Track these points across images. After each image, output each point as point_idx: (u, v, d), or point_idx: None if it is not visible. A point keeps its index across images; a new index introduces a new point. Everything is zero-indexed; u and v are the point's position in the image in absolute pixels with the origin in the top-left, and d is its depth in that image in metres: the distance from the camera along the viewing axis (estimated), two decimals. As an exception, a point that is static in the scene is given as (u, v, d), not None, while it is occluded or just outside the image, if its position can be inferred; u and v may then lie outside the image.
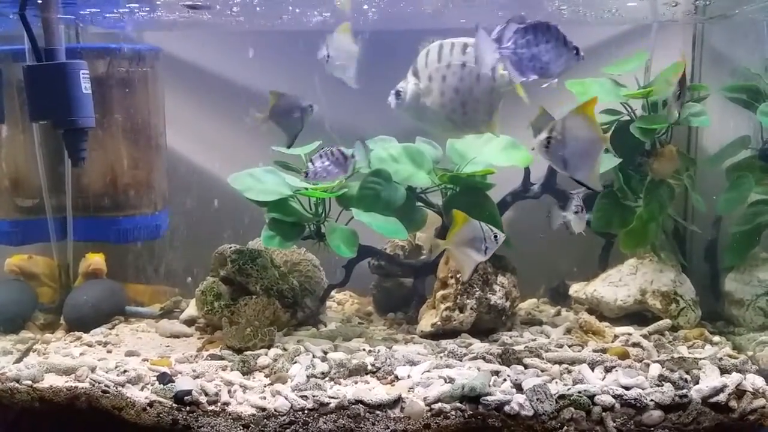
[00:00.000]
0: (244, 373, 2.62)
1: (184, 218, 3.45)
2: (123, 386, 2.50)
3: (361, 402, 2.37)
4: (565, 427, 2.34)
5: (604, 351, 2.75)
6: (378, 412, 2.36)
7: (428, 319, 3.01)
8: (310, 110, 2.82)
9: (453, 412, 2.35)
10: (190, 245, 3.46)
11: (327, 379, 2.57)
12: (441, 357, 2.72)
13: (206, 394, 2.43)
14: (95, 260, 3.30)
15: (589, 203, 3.08)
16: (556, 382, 2.52)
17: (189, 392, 2.41)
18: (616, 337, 2.95)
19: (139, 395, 2.46)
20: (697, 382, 2.47)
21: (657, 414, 2.36)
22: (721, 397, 2.39)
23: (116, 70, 3.10)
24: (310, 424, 2.35)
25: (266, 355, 2.74)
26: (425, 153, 3.09)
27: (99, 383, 2.49)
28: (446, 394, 2.39)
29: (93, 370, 2.61)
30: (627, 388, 2.41)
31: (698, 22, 3.32)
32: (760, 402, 2.41)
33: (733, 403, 2.40)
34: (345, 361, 2.65)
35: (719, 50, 3.34)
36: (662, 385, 2.43)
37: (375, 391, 2.45)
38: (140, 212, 3.22)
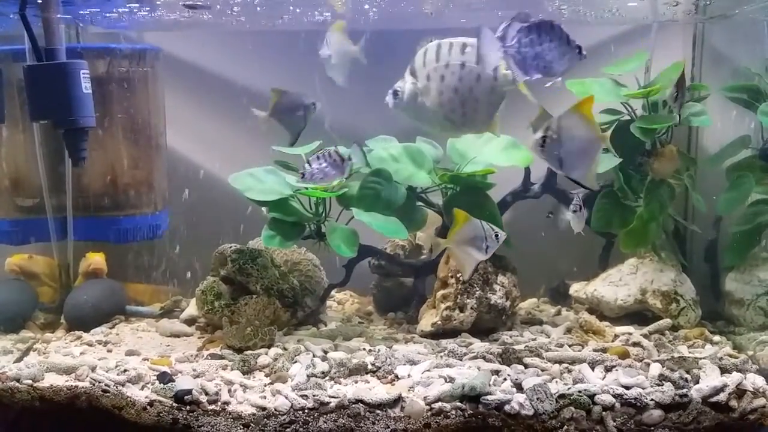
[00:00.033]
0: (244, 373, 2.62)
1: (184, 218, 3.45)
2: (123, 385, 2.50)
3: (362, 401, 2.37)
4: (566, 427, 2.34)
5: (604, 350, 2.75)
6: (378, 411, 2.36)
7: (428, 319, 3.01)
8: (313, 108, 2.82)
9: (453, 412, 2.35)
10: (190, 245, 3.45)
11: (327, 378, 2.57)
12: (441, 356, 2.73)
13: (206, 394, 2.43)
14: (95, 260, 3.30)
15: (590, 203, 3.08)
16: (557, 382, 2.52)
17: (189, 391, 2.41)
18: (616, 336, 2.95)
19: (139, 394, 2.46)
20: (698, 382, 2.47)
21: (657, 413, 2.36)
22: (722, 397, 2.39)
23: (116, 69, 3.10)
24: (310, 424, 2.35)
25: (266, 354, 2.74)
26: (425, 153, 3.09)
27: (99, 382, 2.49)
28: (446, 393, 2.39)
29: (93, 369, 2.61)
30: (627, 388, 2.41)
31: (698, 22, 3.32)
32: (761, 401, 2.41)
33: (733, 403, 2.40)
34: (345, 360, 2.65)
35: (719, 50, 3.34)
36: (662, 385, 2.43)
37: (375, 390, 2.45)
38: (140, 212, 3.22)
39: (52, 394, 2.48)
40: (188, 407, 2.40)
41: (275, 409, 2.37)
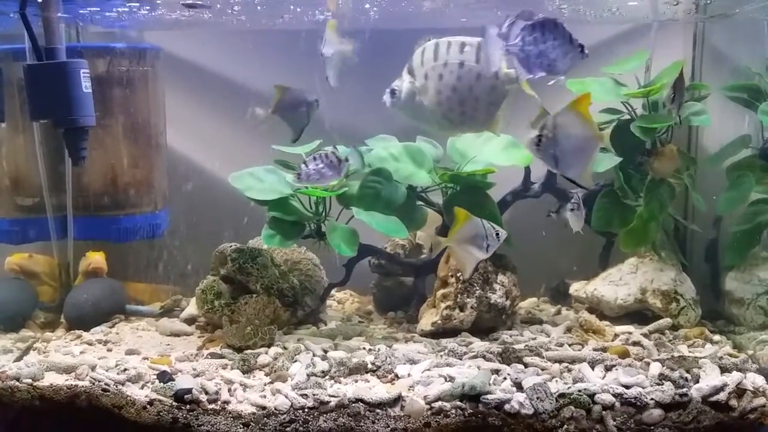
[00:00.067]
0: (244, 372, 2.62)
1: (184, 217, 3.45)
2: (123, 385, 2.50)
3: (362, 400, 2.37)
4: (565, 426, 2.34)
5: (604, 350, 2.75)
6: (378, 410, 2.36)
7: (428, 318, 3.01)
8: (316, 104, 2.81)
9: (453, 411, 2.35)
10: (190, 244, 3.45)
11: (327, 377, 2.57)
12: (441, 356, 2.73)
13: (206, 393, 2.43)
14: (95, 259, 3.30)
15: (590, 202, 3.08)
16: (557, 381, 2.51)
17: (189, 391, 2.41)
18: (616, 335, 2.95)
19: (139, 394, 2.46)
20: (698, 381, 2.47)
21: (657, 413, 2.36)
22: (722, 396, 2.39)
23: (116, 69, 3.10)
24: (310, 423, 2.35)
25: (266, 353, 2.74)
26: (426, 152, 3.10)
27: (99, 382, 2.49)
28: (446, 392, 2.39)
29: (93, 368, 2.61)
30: (627, 387, 2.41)
31: (699, 21, 3.32)
32: (761, 401, 2.41)
33: (733, 402, 2.40)
34: (345, 359, 2.65)
35: (720, 49, 3.34)
36: (662, 384, 2.43)
37: (375, 389, 2.45)
38: (140, 211, 3.22)
39: (52, 393, 2.48)
40: (188, 406, 2.40)
41: (275, 409, 2.37)
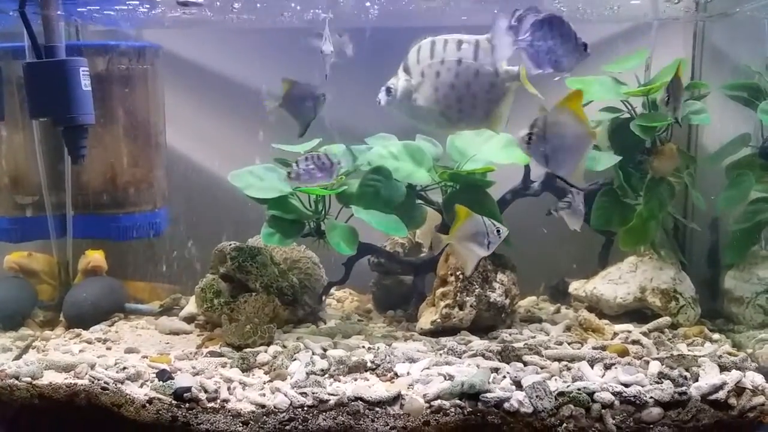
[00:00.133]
0: (243, 370, 2.62)
1: (183, 216, 3.45)
2: (122, 383, 2.50)
3: (361, 399, 2.37)
4: (565, 424, 2.34)
5: (603, 348, 2.75)
6: (377, 409, 2.36)
7: (428, 317, 3.01)
8: (323, 99, 2.82)
9: (452, 409, 2.35)
10: (190, 242, 3.45)
11: (326, 376, 2.57)
12: (440, 354, 2.72)
13: (206, 391, 2.43)
14: (95, 257, 3.31)
15: (590, 201, 3.08)
16: (556, 379, 2.52)
17: (188, 389, 2.41)
18: (615, 334, 2.95)
19: (138, 392, 2.46)
20: (697, 380, 2.47)
21: (656, 411, 2.36)
22: (721, 395, 2.39)
23: (116, 67, 3.10)
24: (309, 421, 2.35)
25: (266, 352, 2.74)
26: (425, 150, 3.09)
27: (98, 380, 2.50)
28: (446, 391, 2.39)
29: (92, 367, 2.61)
30: (626, 386, 2.41)
31: (699, 20, 3.32)
32: (760, 399, 2.41)
33: (732, 401, 2.40)
34: (344, 358, 2.65)
35: (720, 48, 3.34)
36: (662, 383, 2.43)
37: (374, 388, 2.45)
38: (140, 210, 3.22)
39: (51, 392, 2.48)
40: (187, 405, 2.40)
41: (274, 407, 2.37)
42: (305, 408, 2.37)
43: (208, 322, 3.12)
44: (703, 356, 2.65)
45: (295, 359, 2.68)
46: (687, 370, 2.51)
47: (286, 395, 2.40)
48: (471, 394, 2.36)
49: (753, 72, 3.15)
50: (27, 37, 2.57)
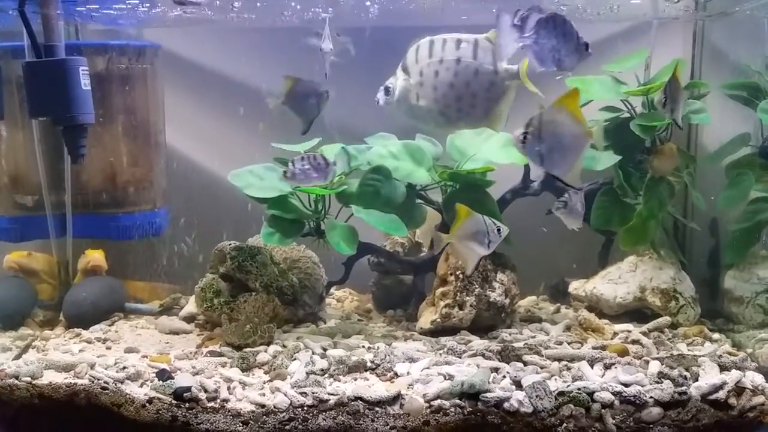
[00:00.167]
0: (243, 370, 2.62)
1: (183, 215, 3.45)
2: (122, 383, 2.50)
3: (361, 399, 2.37)
4: (565, 424, 2.33)
5: (603, 348, 2.75)
6: (377, 408, 2.36)
7: (428, 316, 3.01)
8: (326, 96, 2.81)
9: (452, 409, 2.35)
10: (190, 242, 3.45)
11: (326, 375, 2.56)
12: (440, 354, 2.72)
13: (205, 391, 2.43)
14: (95, 257, 3.30)
15: (590, 200, 3.07)
16: (556, 379, 2.51)
17: (188, 389, 2.41)
18: (615, 334, 2.95)
19: (138, 392, 2.46)
20: (697, 380, 2.47)
21: (656, 411, 2.36)
22: (721, 395, 2.39)
23: (116, 66, 3.10)
24: (309, 421, 2.35)
25: (265, 351, 2.74)
26: (425, 150, 3.09)
27: (98, 380, 2.49)
28: (446, 390, 2.39)
29: (92, 366, 2.61)
30: (626, 385, 2.41)
31: (699, 20, 3.31)
32: (760, 399, 2.41)
33: (732, 400, 2.40)
34: (344, 357, 2.64)
35: (719, 47, 3.34)
36: (661, 382, 2.43)
37: (374, 387, 2.45)
38: (139, 209, 3.22)
39: (51, 392, 2.48)
40: (187, 404, 2.40)
41: (274, 407, 2.37)
42: (305, 408, 2.37)
43: (208, 322, 3.12)
44: (703, 356, 2.65)
45: (295, 359, 2.68)
46: (687, 369, 2.51)
47: (285, 395, 2.40)
48: (471, 394, 2.36)
49: (753, 71, 3.15)
50: (26, 36, 2.57)
